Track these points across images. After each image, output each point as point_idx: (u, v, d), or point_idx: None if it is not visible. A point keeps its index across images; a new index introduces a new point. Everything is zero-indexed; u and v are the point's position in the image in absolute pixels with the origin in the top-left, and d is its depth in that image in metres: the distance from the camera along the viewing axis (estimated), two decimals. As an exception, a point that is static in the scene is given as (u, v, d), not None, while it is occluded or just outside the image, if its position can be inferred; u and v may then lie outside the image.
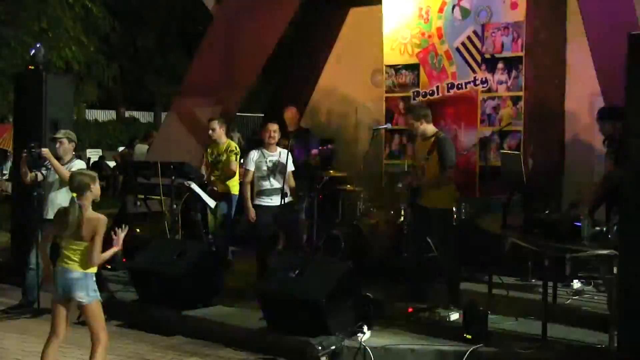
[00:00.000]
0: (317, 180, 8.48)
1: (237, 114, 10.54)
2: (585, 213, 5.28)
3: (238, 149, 7.98)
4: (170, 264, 6.47)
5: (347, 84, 9.93)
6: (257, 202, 7.17)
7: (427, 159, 6.34)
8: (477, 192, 8.20)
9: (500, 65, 8.29)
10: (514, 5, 8.15)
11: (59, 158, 6.53)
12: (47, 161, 6.48)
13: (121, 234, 4.62)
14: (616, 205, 4.91)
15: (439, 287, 6.93)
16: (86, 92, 17.34)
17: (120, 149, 20.31)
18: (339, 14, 10.16)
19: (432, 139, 6.46)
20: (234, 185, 7.97)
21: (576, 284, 6.93)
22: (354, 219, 7.94)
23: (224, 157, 7.90)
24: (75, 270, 4.51)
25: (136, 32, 23.94)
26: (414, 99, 8.88)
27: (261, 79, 9.96)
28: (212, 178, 7.92)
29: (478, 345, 5.15)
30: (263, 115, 11.41)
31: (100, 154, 22.99)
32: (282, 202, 6.97)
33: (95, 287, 4.59)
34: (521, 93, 8.16)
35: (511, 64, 8.20)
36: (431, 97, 8.72)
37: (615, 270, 5.02)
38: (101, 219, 4.54)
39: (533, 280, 7.08)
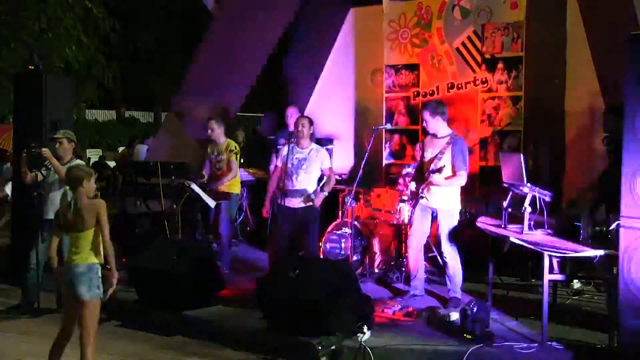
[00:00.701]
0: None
1: (237, 113, 10.52)
2: (585, 213, 5.28)
3: (238, 148, 7.97)
4: (170, 264, 6.46)
5: (347, 84, 9.93)
6: (278, 201, 6.82)
7: (439, 158, 6.33)
8: (477, 193, 8.19)
9: (500, 65, 8.29)
10: (514, 5, 8.15)
11: (58, 158, 6.53)
12: (47, 161, 6.48)
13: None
14: (616, 205, 4.91)
15: (438, 287, 6.95)
16: (86, 92, 17.34)
17: (120, 149, 20.33)
18: (339, 14, 10.16)
19: (447, 138, 6.43)
20: (234, 185, 7.97)
21: (576, 284, 6.93)
22: (353, 219, 7.94)
23: (225, 157, 7.90)
24: (80, 264, 4.53)
25: (136, 32, 23.92)
26: (414, 99, 8.88)
27: (261, 79, 9.95)
28: (213, 178, 7.91)
29: (478, 345, 5.15)
30: (263, 115, 11.40)
31: (100, 153, 22.99)
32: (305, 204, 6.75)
33: (100, 284, 4.58)
34: (521, 93, 8.16)
35: (511, 64, 8.21)
36: (431, 97, 8.72)
37: (615, 270, 5.02)
38: (101, 202, 4.60)
39: (533, 280, 7.08)
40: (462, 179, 6.33)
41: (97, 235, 4.59)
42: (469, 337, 5.28)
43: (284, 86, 10.62)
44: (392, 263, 7.60)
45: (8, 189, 8.55)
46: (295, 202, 6.81)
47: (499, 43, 8.29)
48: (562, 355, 5.09)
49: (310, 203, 6.79)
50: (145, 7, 24.61)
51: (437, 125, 6.50)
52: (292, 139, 7.66)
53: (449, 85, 8.64)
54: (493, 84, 8.35)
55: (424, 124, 6.66)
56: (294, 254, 6.96)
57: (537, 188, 5.52)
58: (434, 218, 6.56)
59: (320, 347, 5.13)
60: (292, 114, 8.69)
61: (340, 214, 8.11)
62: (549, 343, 5.20)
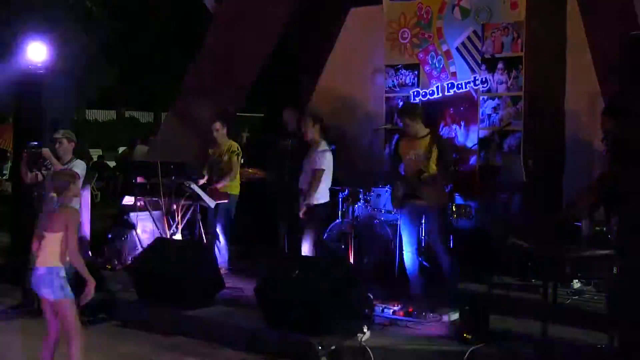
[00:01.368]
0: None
1: (238, 114, 10.52)
2: (585, 213, 5.28)
3: (240, 149, 7.98)
4: (170, 264, 6.46)
5: (347, 84, 9.92)
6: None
7: (427, 159, 6.35)
8: (477, 192, 8.19)
9: (500, 65, 8.28)
10: (514, 5, 8.15)
11: (58, 158, 6.54)
12: (47, 161, 6.48)
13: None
14: (616, 205, 4.91)
15: (438, 287, 6.95)
16: (86, 92, 17.32)
17: (121, 149, 20.33)
18: (339, 14, 10.15)
19: (427, 137, 6.47)
20: (234, 186, 7.97)
21: (576, 284, 6.93)
22: (354, 219, 7.93)
23: (226, 158, 7.90)
24: (40, 266, 4.51)
25: (136, 32, 23.92)
26: (414, 99, 8.88)
27: (261, 79, 9.94)
28: (215, 178, 7.92)
29: (478, 345, 5.15)
30: (263, 115, 11.40)
31: (100, 153, 22.99)
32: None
33: (63, 284, 4.51)
34: (521, 93, 8.15)
35: (511, 64, 8.20)
36: (431, 97, 8.72)
37: (615, 270, 5.02)
38: (71, 211, 4.61)
39: (533, 280, 7.08)
40: (452, 173, 6.39)
41: (63, 241, 4.52)
42: (469, 337, 5.28)
43: (283, 86, 10.61)
44: (392, 263, 7.59)
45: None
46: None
47: (499, 43, 8.29)
48: (562, 355, 5.09)
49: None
50: (145, 7, 24.59)
51: (417, 127, 6.53)
52: (291, 139, 7.68)
53: (449, 85, 8.64)
54: (493, 84, 8.34)
55: (404, 127, 6.65)
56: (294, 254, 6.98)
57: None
58: (427, 216, 6.57)
59: (320, 347, 5.13)
60: (291, 115, 8.69)
61: (340, 214, 8.11)
62: (549, 343, 5.19)
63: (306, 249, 6.97)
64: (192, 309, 6.27)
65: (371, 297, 5.97)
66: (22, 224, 7.42)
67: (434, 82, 8.77)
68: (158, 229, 7.93)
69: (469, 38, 8.50)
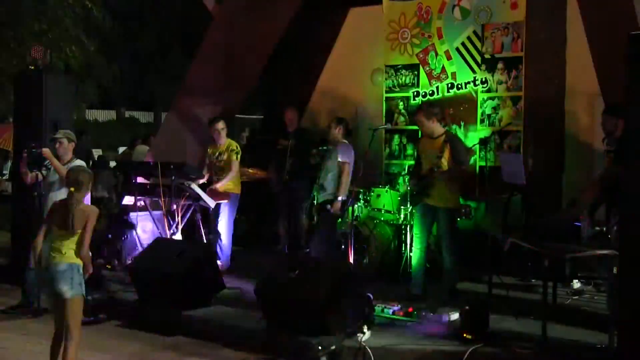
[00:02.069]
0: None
1: (237, 115, 10.53)
2: (585, 213, 5.28)
3: (239, 148, 7.97)
4: (170, 264, 6.46)
5: (347, 84, 9.93)
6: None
7: (439, 158, 6.37)
8: (477, 192, 8.19)
9: (500, 65, 8.28)
10: (514, 5, 8.15)
11: (58, 158, 6.54)
12: (47, 161, 6.48)
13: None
14: (616, 205, 4.91)
15: (438, 287, 6.95)
16: (86, 92, 17.36)
17: (121, 149, 20.31)
18: (339, 14, 10.16)
19: (442, 137, 6.50)
20: (235, 185, 7.97)
21: (576, 284, 6.93)
22: (354, 219, 7.94)
23: (226, 157, 7.90)
24: (61, 263, 4.58)
25: (136, 32, 23.93)
26: (414, 99, 8.88)
27: (261, 79, 9.95)
28: (215, 178, 7.92)
29: (478, 345, 5.15)
30: (263, 116, 11.40)
31: (100, 153, 22.97)
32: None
33: (82, 282, 4.63)
34: (521, 93, 8.16)
35: (511, 64, 8.20)
36: (431, 97, 8.72)
37: (615, 270, 5.02)
38: (93, 209, 4.68)
39: (533, 280, 7.08)
40: (464, 174, 6.47)
41: (83, 238, 4.64)
42: (469, 337, 5.28)
43: (283, 86, 10.62)
44: (392, 263, 7.59)
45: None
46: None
47: (499, 43, 8.29)
48: (562, 355, 5.09)
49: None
50: (145, 7, 24.61)
51: (432, 126, 6.57)
52: (291, 139, 7.69)
53: (449, 85, 8.64)
54: (493, 84, 8.34)
55: (419, 126, 6.70)
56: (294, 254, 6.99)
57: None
58: (438, 217, 6.59)
59: (320, 347, 5.13)
60: (291, 115, 8.70)
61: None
62: (549, 343, 5.19)
63: (318, 244, 7.01)
64: (192, 309, 6.27)
65: (371, 297, 5.97)
66: (22, 224, 7.43)
67: (434, 82, 8.77)
68: (158, 229, 7.92)
69: (469, 38, 8.50)
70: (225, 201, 7.83)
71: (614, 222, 5.02)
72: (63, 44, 14.56)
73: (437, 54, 8.74)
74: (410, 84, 8.97)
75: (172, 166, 7.60)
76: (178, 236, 7.78)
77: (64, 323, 4.63)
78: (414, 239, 6.77)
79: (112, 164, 20.38)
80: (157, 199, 7.73)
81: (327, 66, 10.30)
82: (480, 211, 7.94)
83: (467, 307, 5.43)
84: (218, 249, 7.81)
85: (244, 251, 8.94)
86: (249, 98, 9.95)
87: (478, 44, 8.43)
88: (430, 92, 8.78)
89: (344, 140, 7.34)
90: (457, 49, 8.58)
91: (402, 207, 7.63)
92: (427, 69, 8.82)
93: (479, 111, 8.44)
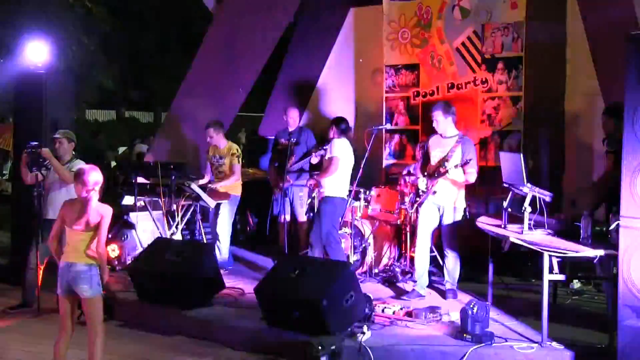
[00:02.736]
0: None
1: (238, 113, 10.52)
2: (585, 213, 5.28)
3: (240, 151, 7.97)
4: (170, 264, 6.46)
5: (347, 84, 9.93)
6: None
7: (449, 157, 6.40)
8: (477, 192, 8.18)
9: (500, 65, 8.29)
10: (514, 5, 8.15)
11: (58, 158, 6.54)
12: (47, 161, 6.48)
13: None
14: (616, 205, 4.91)
15: (438, 287, 6.96)
16: (86, 92, 17.36)
17: (121, 149, 20.32)
18: (339, 14, 10.15)
19: (455, 138, 6.53)
20: (235, 186, 7.97)
21: (576, 284, 6.93)
22: (353, 219, 7.94)
23: (227, 160, 7.90)
24: (80, 263, 4.62)
25: (136, 32, 23.90)
26: (414, 99, 8.88)
27: (261, 79, 9.94)
28: (215, 180, 7.92)
29: (478, 345, 5.16)
30: (263, 115, 11.40)
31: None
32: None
33: (99, 281, 4.69)
34: (521, 93, 8.16)
35: (511, 64, 8.21)
36: (431, 97, 8.73)
37: (615, 270, 5.02)
38: (108, 208, 4.72)
39: (533, 280, 7.08)
40: (474, 175, 6.47)
41: (99, 236, 4.69)
42: (469, 337, 5.28)
43: (283, 86, 10.62)
44: (392, 263, 7.60)
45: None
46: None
47: (499, 43, 8.29)
48: (562, 355, 5.09)
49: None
50: (145, 7, 24.59)
51: (447, 125, 6.60)
52: (292, 138, 7.69)
53: (449, 85, 8.65)
54: (493, 84, 8.35)
55: (434, 124, 6.69)
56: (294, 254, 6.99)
57: (537, 188, 5.53)
58: (442, 216, 6.62)
59: (320, 347, 5.13)
60: (292, 115, 8.69)
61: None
62: (549, 343, 5.20)
63: (312, 241, 7.00)
64: (192, 309, 6.27)
65: (371, 297, 5.97)
66: (22, 224, 7.43)
67: (434, 82, 8.77)
68: (158, 229, 7.92)
69: (469, 38, 8.50)
70: (224, 201, 7.83)
71: (614, 222, 5.02)
72: (63, 44, 14.56)
73: (437, 54, 8.75)
74: (410, 84, 8.97)
75: (172, 166, 7.60)
76: (178, 236, 7.78)
77: (88, 321, 4.69)
78: (417, 239, 6.75)
79: (112, 164, 20.43)
80: (157, 199, 7.73)
81: (327, 66, 10.30)
82: (481, 211, 7.93)
83: (467, 307, 5.43)
84: (217, 250, 7.80)
85: (244, 251, 8.94)
86: (248, 97, 9.93)
87: (478, 44, 8.44)
88: (430, 92, 8.78)
89: (338, 138, 7.20)
90: (457, 49, 8.58)
91: (402, 207, 7.63)
92: (427, 69, 8.82)
93: (479, 111, 8.44)
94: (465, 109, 8.52)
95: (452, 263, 6.64)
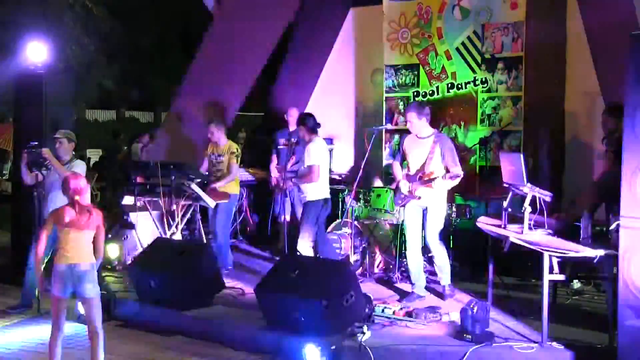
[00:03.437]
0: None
1: (238, 113, 10.52)
2: (585, 213, 5.28)
3: (239, 150, 7.96)
4: (170, 264, 6.46)
5: (347, 84, 9.93)
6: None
7: (430, 158, 6.34)
8: (477, 192, 8.19)
9: (500, 65, 8.29)
10: (514, 5, 8.16)
11: (59, 158, 6.53)
12: (47, 161, 6.48)
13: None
14: (616, 205, 4.91)
15: (436, 288, 6.95)
16: (86, 92, 17.36)
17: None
18: (339, 14, 10.16)
19: (431, 138, 6.44)
20: (234, 185, 7.96)
21: (576, 284, 6.93)
22: (353, 219, 7.94)
23: (225, 158, 7.89)
24: (84, 263, 4.69)
25: (136, 32, 23.90)
26: (414, 99, 8.88)
27: (261, 79, 9.95)
28: (212, 178, 7.91)
29: (478, 345, 5.16)
30: (263, 115, 11.41)
31: (101, 154, 22.97)
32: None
33: (98, 280, 4.79)
34: (521, 93, 8.17)
35: (511, 64, 8.21)
36: (431, 97, 8.73)
37: (615, 270, 5.02)
38: (98, 210, 4.82)
39: (533, 280, 7.08)
40: (459, 177, 6.34)
41: (100, 237, 4.81)
42: (469, 337, 5.28)
43: (284, 86, 10.62)
44: (392, 263, 7.59)
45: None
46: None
47: (499, 43, 8.30)
48: (562, 355, 5.09)
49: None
50: (145, 7, 24.59)
51: (422, 126, 6.49)
52: (293, 138, 7.69)
53: (449, 85, 8.65)
54: (493, 84, 8.35)
55: (408, 125, 6.56)
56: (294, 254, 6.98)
57: (537, 188, 5.52)
58: (427, 216, 6.57)
59: (320, 347, 5.13)
60: (292, 114, 8.69)
61: (340, 214, 8.11)
62: (549, 343, 5.19)
63: (299, 246, 6.99)
64: (192, 309, 6.27)
65: (371, 297, 5.97)
66: (22, 224, 7.43)
67: (434, 82, 8.77)
68: (158, 229, 7.92)
69: (469, 38, 8.51)
70: (225, 201, 7.82)
71: (614, 222, 5.02)
72: (63, 44, 14.57)
73: (437, 54, 8.75)
74: (410, 84, 8.98)
75: (172, 166, 7.59)
76: (178, 236, 7.78)
77: (89, 321, 4.74)
78: (407, 242, 6.73)
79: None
80: (157, 199, 7.73)
81: (327, 66, 10.30)
82: (481, 211, 7.94)
83: (467, 307, 5.43)
84: (216, 249, 7.80)
85: (244, 251, 8.94)
86: (248, 97, 9.94)
87: (478, 44, 8.44)
88: (430, 92, 8.78)
89: (313, 139, 7.09)
90: (457, 49, 8.59)
91: (397, 205, 7.61)
92: (427, 69, 8.83)
93: (479, 111, 8.44)
94: (465, 109, 8.54)
95: (441, 260, 6.57)
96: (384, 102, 9.17)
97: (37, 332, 6.04)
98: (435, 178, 6.28)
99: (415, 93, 8.92)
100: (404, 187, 6.59)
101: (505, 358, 5.10)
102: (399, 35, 9.03)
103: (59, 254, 4.71)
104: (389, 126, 8.89)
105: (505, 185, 6.09)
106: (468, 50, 8.52)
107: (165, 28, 25.60)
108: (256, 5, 9.05)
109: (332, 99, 10.17)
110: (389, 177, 8.86)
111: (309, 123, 7.07)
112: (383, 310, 6.02)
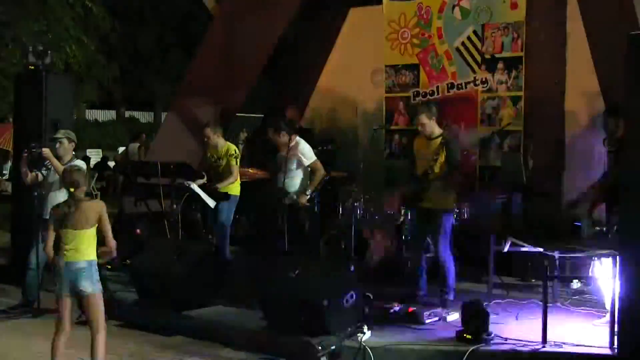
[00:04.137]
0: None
1: (238, 114, 10.52)
2: (585, 213, 5.29)
3: (238, 152, 7.95)
4: (170, 264, 6.46)
5: (347, 84, 9.93)
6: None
7: (435, 160, 6.30)
8: (477, 192, 8.19)
9: (500, 65, 8.29)
10: (514, 5, 8.16)
11: (58, 158, 6.53)
12: (47, 161, 6.48)
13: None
14: (616, 205, 4.91)
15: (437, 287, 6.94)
16: (86, 92, 17.37)
17: (121, 149, 20.36)
18: (339, 14, 10.15)
19: (439, 139, 6.40)
20: (234, 186, 7.95)
21: (576, 284, 6.93)
22: (353, 219, 7.94)
23: (224, 161, 7.88)
24: (81, 261, 4.69)
25: (136, 32, 23.92)
26: (414, 99, 8.88)
27: (261, 79, 9.94)
28: (213, 181, 7.91)
29: (478, 345, 5.15)
30: (263, 115, 11.40)
31: (101, 154, 23.02)
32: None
33: (98, 278, 4.79)
34: (521, 93, 8.16)
35: (511, 64, 8.21)
36: (431, 97, 8.73)
37: (615, 270, 5.02)
38: (101, 203, 4.83)
39: (533, 280, 7.08)
40: (458, 176, 6.34)
41: (95, 234, 4.77)
42: (469, 337, 5.28)
43: (284, 86, 10.62)
44: (393, 263, 7.59)
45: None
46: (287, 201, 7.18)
47: (499, 43, 8.29)
48: (562, 355, 5.09)
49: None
50: (145, 7, 24.61)
51: (433, 126, 6.48)
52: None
53: (449, 85, 8.65)
54: (493, 84, 8.35)
55: (420, 128, 6.52)
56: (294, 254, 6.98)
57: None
58: (433, 219, 6.54)
59: (320, 347, 5.13)
60: (291, 115, 8.70)
61: (340, 213, 8.10)
62: (549, 343, 5.19)
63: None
64: (192, 309, 6.27)
65: (371, 297, 5.97)
66: (22, 224, 7.43)
67: (434, 82, 8.77)
68: (158, 228, 7.91)
69: (469, 38, 8.50)
70: (224, 202, 7.81)
71: (614, 222, 5.02)
72: (63, 44, 14.56)
73: (437, 54, 8.75)
74: (410, 84, 8.97)
75: (172, 166, 7.59)
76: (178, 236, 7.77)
77: (90, 319, 4.76)
78: (414, 243, 6.71)
79: (111, 164, 20.45)
80: (156, 199, 7.72)
81: (327, 66, 10.30)
82: (480, 211, 7.94)
83: (467, 307, 5.43)
84: (215, 249, 7.80)
85: (244, 251, 8.93)
86: (248, 97, 9.94)
87: (478, 44, 8.44)
88: (430, 92, 8.78)
89: (295, 139, 7.19)
90: (457, 49, 8.58)
91: (402, 207, 7.62)
92: (427, 69, 8.82)
93: (479, 111, 8.44)
94: (465, 109, 8.53)
95: (446, 271, 6.40)
96: (384, 102, 9.17)
97: (38, 332, 6.04)
98: (433, 177, 6.28)
99: (415, 93, 8.92)
100: (409, 188, 6.58)
101: (505, 358, 5.10)
102: (399, 35, 9.03)
103: (59, 252, 4.74)
104: (388, 126, 8.88)
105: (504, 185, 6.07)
106: (468, 50, 8.52)
107: (165, 28, 25.62)
108: (256, 5, 9.05)
109: (332, 99, 10.16)
110: (389, 177, 8.87)
111: (285, 127, 7.16)
112: (383, 311, 6.01)
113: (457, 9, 8.58)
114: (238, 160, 7.87)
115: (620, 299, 4.86)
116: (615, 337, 5.00)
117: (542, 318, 5.23)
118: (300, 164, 7.20)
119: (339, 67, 10.08)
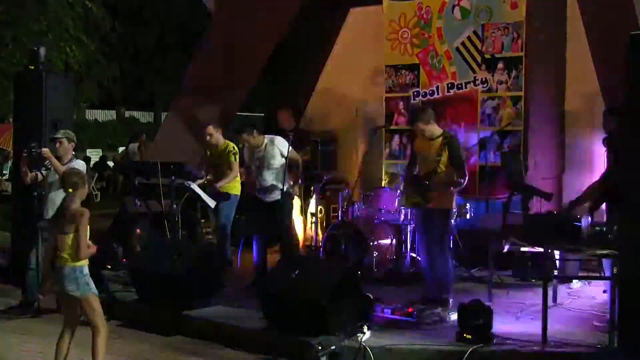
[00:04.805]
0: (317, 179, 8.50)
1: (238, 113, 10.53)
2: (585, 213, 5.29)
3: (237, 149, 7.96)
4: (170, 264, 6.46)
5: (347, 84, 9.93)
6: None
7: (437, 160, 6.28)
8: (477, 192, 8.19)
9: (500, 65, 8.29)
10: (514, 5, 8.16)
11: (58, 158, 6.53)
12: (47, 161, 6.48)
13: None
14: (616, 205, 4.91)
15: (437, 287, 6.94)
16: (86, 92, 17.34)
17: (121, 149, 20.36)
18: (339, 14, 10.16)
19: (440, 138, 6.36)
20: (234, 186, 7.96)
21: (576, 284, 6.93)
22: (354, 219, 7.94)
23: (224, 159, 7.89)
24: (65, 266, 4.68)
25: (136, 32, 23.90)
26: (414, 99, 8.88)
27: (261, 79, 9.95)
28: (211, 178, 7.92)
29: (478, 345, 5.15)
30: (263, 115, 11.41)
31: (101, 154, 23.02)
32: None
33: (88, 280, 4.73)
34: (521, 93, 8.17)
35: (511, 64, 8.21)
36: (431, 97, 8.73)
37: (615, 270, 5.02)
38: (83, 211, 4.72)
39: (533, 280, 7.08)
40: (465, 178, 6.30)
41: (77, 239, 4.68)
42: (469, 337, 5.28)
43: (283, 86, 10.62)
44: (393, 263, 7.60)
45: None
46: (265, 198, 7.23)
47: (499, 43, 8.30)
48: (562, 355, 5.09)
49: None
50: (145, 7, 24.59)
51: (433, 129, 6.42)
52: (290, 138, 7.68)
53: (449, 85, 8.65)
54: (493, 84, 8.35)
55: (420, 134, 6.46)
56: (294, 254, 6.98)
57: (537, 189, 5.52)
58: (433, 217, 6.53)
59: (320, 347, 5.13)
60: (282, 116, 8.71)
61: (339, 213, 8.11)
62: (549, 343, 5.19)
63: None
64: (192, 309, 6.27)
65: (371, 297, 5.96)
66: (22, 224, 7.42)
67: (434, 82, 8.77)
68: (159, 229, 7.92)
69: (469, 38, 8.51)
70: (225, 201, 7.82)
71: (614, 222, 5.02)
72: (63, 44, 14.56)
73: (437, 54, 8.75)
74: (410, 84, 8.97)
75: (172, 166, 7.59)
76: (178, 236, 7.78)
77: (87, 320, 4.76)
78: (418, 243, 6.70)
79: (111, 164, 20.47)
80: (156, 199, 7.72)
81: (327, 66, 10.30)
82: (480, 211, 7.94)
83: (467, 307, 5.43)
84: (215, 249, 7.80)
85: (244, 251, 8.93)
86: (248, 97, 9.95)
87: (478, 44, 8.44)
88: (430, 92, 8.78)
89: (269, 138, 7.24)
90: (457, 49, 8.59)
91: (402, 207, 7.62)
92: (427, 69, 8.83)
93: (479, 111, 8.44)
94: (465, 109, 8.53)
95: (443, 270, 6.36)
96: (384, 102, 9.17)
97: (38, 332, 6.04)
98: (435, 177, 6.26)
99: (415, 93, 8.92)
100: (410, 188, 6.55)
101: (505, 358, 5.10)
102: (399, 35, 9.03)
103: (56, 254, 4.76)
104: (387, 126, 8.88)
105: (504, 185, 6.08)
106: (468, 50, 8.52)
107: (165, 28, 25.60)
108: (256, 5, 9.05)
109: (332, 99, 10.17)
110: (389, 177, 8.87)
111: (256, 128, 7.22)
112: (383, 311, 6.01)
113: (457, 9, 8.59)
114: (237, 157, 7.87)
115: (620, 299, 4.86)
116: (615, 337, 5.00)
117: (542, 318, 5.23)
118: (279, 158, 7.19)
119: (339, 67, 10.09)
